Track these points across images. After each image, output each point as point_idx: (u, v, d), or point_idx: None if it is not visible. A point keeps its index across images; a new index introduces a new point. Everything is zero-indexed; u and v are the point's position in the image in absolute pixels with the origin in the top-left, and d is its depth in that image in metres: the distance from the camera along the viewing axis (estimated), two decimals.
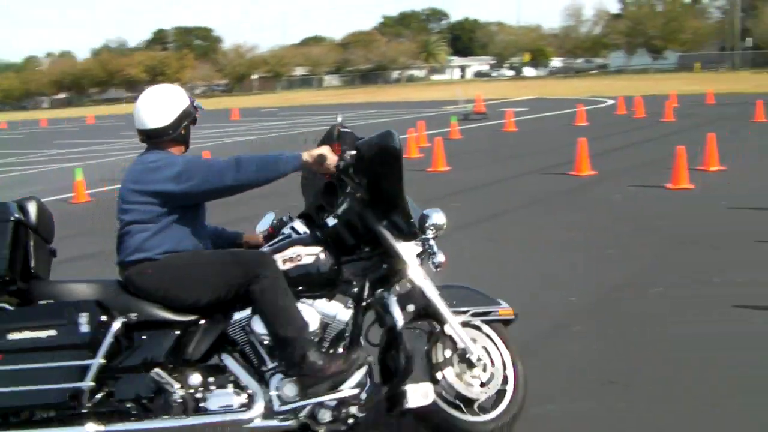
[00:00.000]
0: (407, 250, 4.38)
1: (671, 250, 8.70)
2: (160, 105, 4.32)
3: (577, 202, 11.94)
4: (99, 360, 3.93)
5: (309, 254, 4.27)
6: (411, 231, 4.35)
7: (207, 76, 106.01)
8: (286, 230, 4.48)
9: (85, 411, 3.95)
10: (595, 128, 23.39)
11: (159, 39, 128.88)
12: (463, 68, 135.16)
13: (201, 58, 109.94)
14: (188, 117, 4.38)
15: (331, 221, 4.39)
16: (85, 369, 3.90)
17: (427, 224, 4.46)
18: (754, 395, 4.96)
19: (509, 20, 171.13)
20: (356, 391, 4.16)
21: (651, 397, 5.04)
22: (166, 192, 4.15)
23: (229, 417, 4.08)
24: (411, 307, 4.32)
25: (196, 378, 4.14)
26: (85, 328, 3.90)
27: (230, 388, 4.16)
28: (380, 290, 4.36)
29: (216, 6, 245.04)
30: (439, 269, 4.40)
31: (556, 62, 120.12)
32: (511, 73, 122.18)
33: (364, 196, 4.31)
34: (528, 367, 4.58)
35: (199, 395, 4.11)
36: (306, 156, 4.16)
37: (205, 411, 4.09)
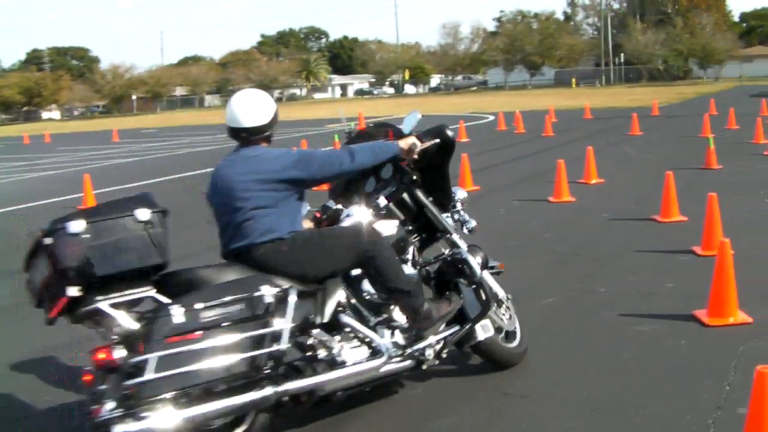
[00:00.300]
0: (449, 221, 5.59)
1: (557, 261, 8.93)
2: (258, 106, 4.86)
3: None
4: (290, 324, 4.49)
5: (391, 227, 5.17)
6: (452, 206, 5.67)
7: (85, 97, 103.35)
8: (350, 212, 5.22)
9: (262, 375, 4.41)
10: (476, 144, 23.86)
11: (34, 59, 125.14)
12: (344, 86, 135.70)
13: (78, 79, 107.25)
14: (277, 117, 4.96)
15: (383, 201, 5.19)
16: (277, 335, 4.43)
17: (456, 199, 5.71)
18: (646, 397, 5.13)
19: (388, 38, 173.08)
20: (452, 330, 5.30)
21: (547, 407, 5.15)
22: (293, 178, 4.75)
23: (365, 366, 4.80)
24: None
25: (330, 337, 4.76)
26: (269, 298, 4.41)
27: (355, 342, 4.86)
28: (455, 249, 5.57)
29: (92, 25, 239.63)
30: (472, 233, 5.73)
31: (436, 79, 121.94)
32: (392, 90, 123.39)
33: (418, 178, 5.25)
34: (426, 385, 4.63)
35: (335, 352, 4.71)
36: (402, 144, 5.09)
37: (344, 364, 4.73)
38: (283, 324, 4.46)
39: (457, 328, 5.33)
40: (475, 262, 5.49)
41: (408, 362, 5.05)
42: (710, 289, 6.61)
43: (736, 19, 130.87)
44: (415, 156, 5.13)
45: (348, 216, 5.18)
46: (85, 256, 4.12)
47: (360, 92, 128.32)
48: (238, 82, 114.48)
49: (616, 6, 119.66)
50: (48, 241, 4.14)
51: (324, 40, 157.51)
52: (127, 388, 4.05)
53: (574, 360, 5.94)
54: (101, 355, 4.14)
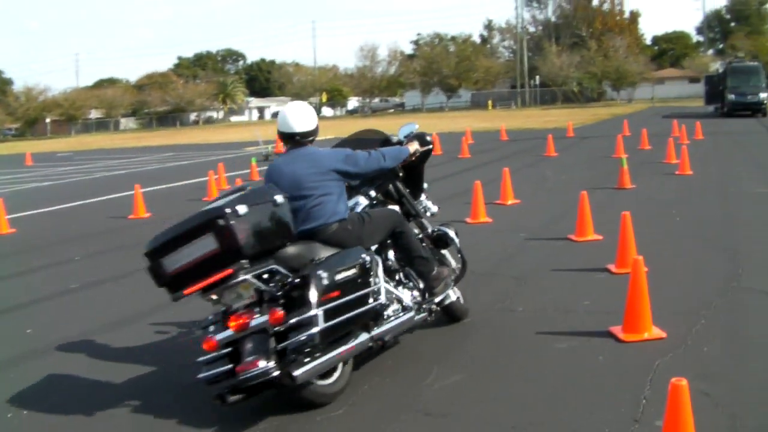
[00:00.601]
0: (419, 207, 7.04)
1: (475, 281, 9.01)
2: (307, 114, 6.16)
3: None
4: (382, 282, 5.80)
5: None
6: (421, 196, 7.23)
7: None
8: (359, 200, 6.53)
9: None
10: None
11: None
12: (261, 109, 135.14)
13: None
14: (318, 125, 6.22)
15: (373, 192, 6.64)
16: (378, 291, 5.71)
17: (424, 190, 7.33)
18: (565, 412, 5.21)
19: (306, 61, 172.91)
20: (451, 287, 6.92)
21: (469, 427, 5.19)
22: (345, 171, 6.01)
23: (403, 318, 6.14)
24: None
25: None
26: (368, 264, 5.69)
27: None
28: (425, 229, 7.05)
29: (2, 47, 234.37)
30: (434, 216, 7.29)
31: (354, 102, 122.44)
32: None
33: (401, 174, 6.84)
34: (349, 407, 4.61)
35: (397, 305, 6.24)
36: (411, 148, 6.63)
37: (388, 318, 6.01)
38: (379, 282, 5.75)
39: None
40: (454, 235, 7.13)
41: (424, 315, 6.51)
42: (625, 305, 6.76)
43: (648, 42, 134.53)
44: (413, 158, 6.68)
45: (357, 204, 6.46)
46: (249, 234, 5.19)
47: (277, 115, 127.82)
48: (154, 104, 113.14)
49: (531, 29, 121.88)
50: (221, 222, 5.11)
51: (241, 63, 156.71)
52: (296, 342, 5.16)
53: (494, 378, 6.01)
54: (241, 320, 5.27)
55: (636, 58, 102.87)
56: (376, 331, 5.77)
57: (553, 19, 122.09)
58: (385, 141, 6.93)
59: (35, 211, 18.38)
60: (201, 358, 5.43)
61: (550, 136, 27.25)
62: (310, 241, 5.76)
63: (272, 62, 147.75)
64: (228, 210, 5.13)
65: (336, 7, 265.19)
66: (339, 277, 5.39)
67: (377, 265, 5.79)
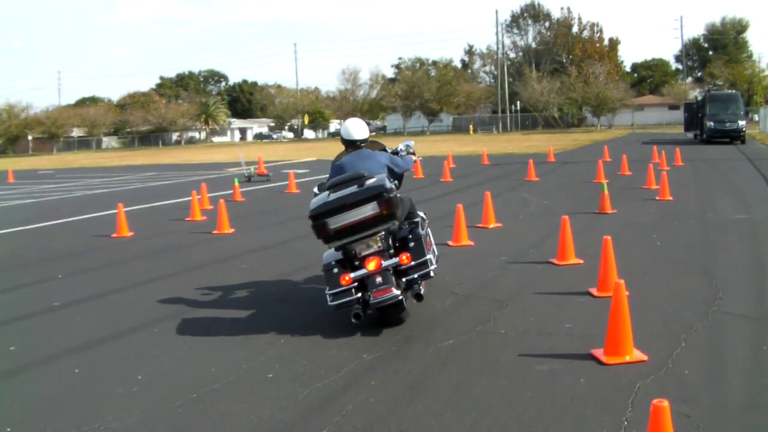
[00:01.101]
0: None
1: (457, 303, 9.05)
2: (363, 126, 8.74)
3: None
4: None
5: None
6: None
7: None
8: None
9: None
10: None
11: None
12: (243, 130, 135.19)
13: None
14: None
15: (395, 183, 8.72)
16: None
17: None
18: None
19: (288, 83, 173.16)
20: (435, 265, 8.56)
21: None
22: (391, 166, 8.69)
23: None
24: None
25: None
26: (421, 219, 8.95)
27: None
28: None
29: None
30: None
31: (335, 124, 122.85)
32: (291, 135, 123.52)
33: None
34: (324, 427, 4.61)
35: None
36: (416, 159, 9.50)
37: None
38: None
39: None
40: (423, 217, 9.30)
41: (416, 287, 8.09)
42: (607, 328, 6.81)
43: (628, 69, 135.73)
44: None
45: None
46: (398, 205, 7.89)
47: (259, 136, 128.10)
48: (136, 123, 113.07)
49: (512, 55, 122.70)
50: (386, 195, 7.69)
51: (224, 84, 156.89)
52: (421, 276, 7.90)
53: (475, 399, 6.03)
54: (376, 262, 7.70)
55: (616, 85, 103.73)
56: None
57: (533, 45, 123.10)
58: (393, 151, 9.24)
59: (17, 229, 18.28)
60: (329, 291, 7.79)
61: (531, 161, 27.39)
62: None
63: (254, 84, 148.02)
64: (389, 186, 7.83)
65: (318, 31, 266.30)
66: (426, 234, 8.43)
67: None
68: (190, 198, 19.61)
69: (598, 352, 6.83)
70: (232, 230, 16.10)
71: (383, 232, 7.85)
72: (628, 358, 6.67)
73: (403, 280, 7.83)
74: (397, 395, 6.19)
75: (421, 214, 9.08)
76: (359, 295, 7.71)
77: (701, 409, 5.62)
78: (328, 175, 8.78)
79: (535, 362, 6.80)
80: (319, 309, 9.03)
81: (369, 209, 7.66)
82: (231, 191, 23.38)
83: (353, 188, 7.87)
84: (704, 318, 7.98)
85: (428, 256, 7.87)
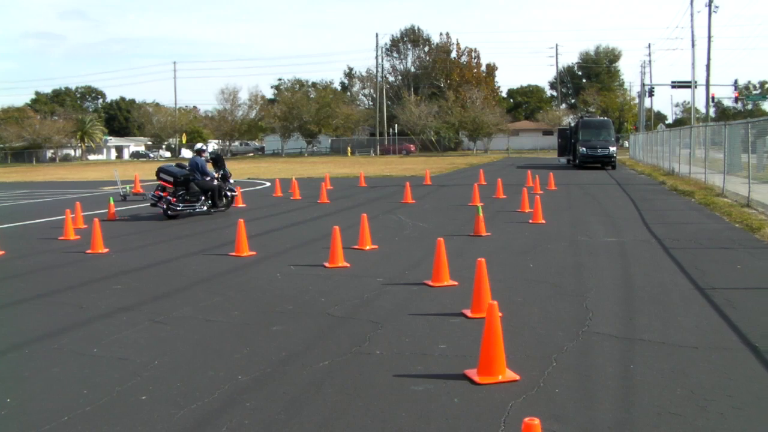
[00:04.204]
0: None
1: (333, 325, 9.04)
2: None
3: (240, 281, 12.07)
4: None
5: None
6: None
7: None
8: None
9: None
10: (253, 210, 23.88)
11: None
12: (119, 148, 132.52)
13: None
14: None
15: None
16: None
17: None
18: None
19: (166, 101, 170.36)
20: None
21: None
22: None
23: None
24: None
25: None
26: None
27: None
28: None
29: None
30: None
31: (213, 144, 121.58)
32: (168, 154, 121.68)
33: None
34: None
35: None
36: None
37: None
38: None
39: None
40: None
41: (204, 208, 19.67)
42: (480, 349, 6.92)
43: (504, 95, 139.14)
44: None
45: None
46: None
47: (136, 155, 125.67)
48: (9, 139, 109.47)
49: (391, 79, 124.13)
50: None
51: (101, 101, 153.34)
52: None
53: (351, 422, 6.02)
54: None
55: (492, 110, 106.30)
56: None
57: (412, 69, 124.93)
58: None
59: None
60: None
61: (408, 184, 27.72)
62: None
63: (132, 101, 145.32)
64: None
65: (198, 49, 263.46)
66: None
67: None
68: (63, 217, 19.04)
69: (472, 372, 6.93)
70: (106, 250, 15.70)
71: None
72: (500, 378, 6.79)
73: None
74: (273, 417, 6.14)
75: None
76: None
77: (572, 427, 5.77)
78: None
79: (410, 383, 6.85)
80: (195, 329, 8.88)
81: None
82: (106, 210, 22.83)
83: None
84: (575, 338, 8.20)
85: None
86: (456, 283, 11.20)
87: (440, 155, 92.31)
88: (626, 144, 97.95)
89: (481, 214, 16.94)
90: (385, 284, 11.53)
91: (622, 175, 40.57)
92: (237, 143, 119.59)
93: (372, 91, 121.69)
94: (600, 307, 9.64)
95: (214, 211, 23.11)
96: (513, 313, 9.15)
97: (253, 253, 14.74)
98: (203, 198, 22.59)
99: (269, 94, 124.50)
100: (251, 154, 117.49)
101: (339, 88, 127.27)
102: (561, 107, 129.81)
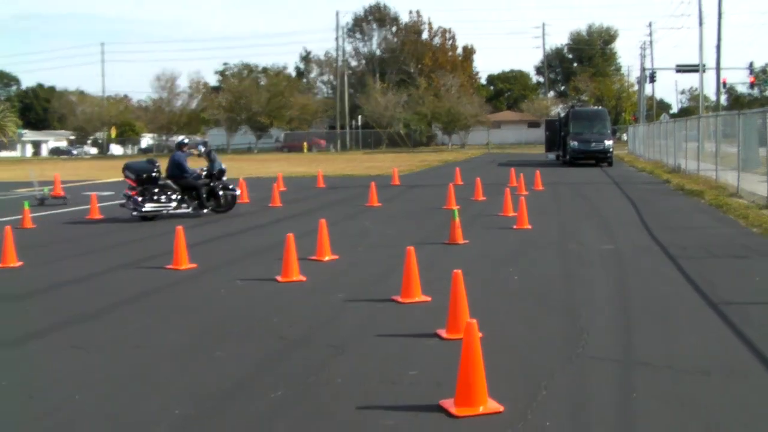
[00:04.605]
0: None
1: (287, 349, 8.95)
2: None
3: (178, 299, 11.94)
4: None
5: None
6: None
7: None
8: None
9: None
10: (193, 215, 23.71)
11: None
12: (37, 144, 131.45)
13: None
14: None
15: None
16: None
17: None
18: None
19: (92, 89, 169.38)
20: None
21: None
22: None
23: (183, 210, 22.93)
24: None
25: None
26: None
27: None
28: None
29: None
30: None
31: (147, 139, 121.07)
32: (95, 150, 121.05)
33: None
34: None
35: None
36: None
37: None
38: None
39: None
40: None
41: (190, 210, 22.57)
42: (458, 375, 6.85)
43: (484, 81, 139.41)
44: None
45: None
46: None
47: (56, 151, 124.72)
48: None
49: (354, 63, 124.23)
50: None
51: (14, 88, 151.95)
52: None
53: None
54: None
55: (470, 99, 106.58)
56: None
57: (378, 52, 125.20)
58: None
59: None
60: None
61: (374, 184, 27.69)
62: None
63: (52, 89, 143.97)
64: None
65: (129, 29, 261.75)
66: None
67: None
68: None
69: (448, 403, 6.86)
70: (19, 263, 15.49)
71: None
72: (481, 409, 6.72)
73: None
74: None
75: None
76: None
77: None
78: None
79: (377, 416, 6.77)
80: (124, 357, 8.75)
81: None
82: (20, 216, 22.56)
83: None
84: (567, 362, 8.16)
85: None
86: (429, 298, 11.15)
87: (410, 151, 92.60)
88: (624, 137, 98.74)
89: (457, 219, 16.92)
90: (347, 301, 11.46)
91: (619, 173, 40.87)
92: (176, 138, 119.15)
93: (332, 77, 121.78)
94: (595, 326, 9.62)
95: (206, 212, 23.62)
96: (495, 333, 9.10)
97: (194, 265, 14.60)
98: (187, 198, 23.30)
99: (213, 81, 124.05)
100: (193, 150, 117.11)
101: (294, 74, 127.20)
102: (549, 95, 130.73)
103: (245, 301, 11.63)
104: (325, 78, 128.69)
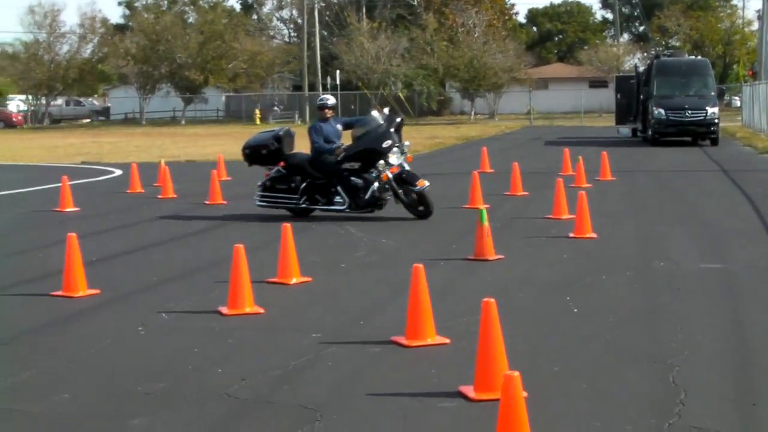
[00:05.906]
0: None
1: (238, 415, 9.00)
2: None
3: (73, 341, 11.90)
4: None
5: None
6: None
7: None
8: None
9: None
10: (91, 218, 23.98)
11: None
12: None
13: None
14: None
15: None
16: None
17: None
18: None
19: None
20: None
21: None
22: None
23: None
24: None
25: None
26: None
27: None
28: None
29: None
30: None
31: (18, 102, 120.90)
32: None
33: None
34: None
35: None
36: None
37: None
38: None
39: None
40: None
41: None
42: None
43: (523, 19, 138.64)
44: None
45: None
46: None
47: None
48: None
49: None
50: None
51: None
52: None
53: None
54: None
55: (502, 46, 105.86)
56: None
57: None
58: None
59: None
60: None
61: None
62: None
63: None
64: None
65: None
66: None
67: None
68: None
69: None
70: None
71: None
72: None
73: None
74: None
75: None
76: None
77: None
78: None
79: None
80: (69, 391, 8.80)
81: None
82: None
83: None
84: None
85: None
86: (447, 340, 11.21)
87: (414, 123, 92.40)
88: (737, 102, 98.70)
89: (486, 224, 16.88)
90: (324, 343, 11.47)
91: (729, 156, 40.97)
92: (59, 101, 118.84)
93: (295, 13, 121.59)
94: (697, 384, 9.67)
95: (361, 213, 22.54)
96: (546, 391, 9.16)
97: (95, 291, 14.55)
98: (333, 190, 22.29)
99: (116, 17, 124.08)
100: (87, 121, 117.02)
101: (238, 7, 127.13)
102: (621, 40, 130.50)
103: (174, 344, 11.65)
104: (285, 14, 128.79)
